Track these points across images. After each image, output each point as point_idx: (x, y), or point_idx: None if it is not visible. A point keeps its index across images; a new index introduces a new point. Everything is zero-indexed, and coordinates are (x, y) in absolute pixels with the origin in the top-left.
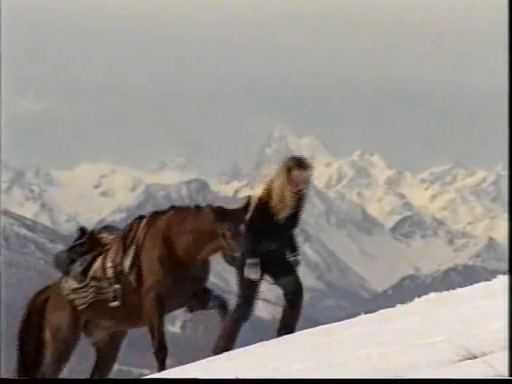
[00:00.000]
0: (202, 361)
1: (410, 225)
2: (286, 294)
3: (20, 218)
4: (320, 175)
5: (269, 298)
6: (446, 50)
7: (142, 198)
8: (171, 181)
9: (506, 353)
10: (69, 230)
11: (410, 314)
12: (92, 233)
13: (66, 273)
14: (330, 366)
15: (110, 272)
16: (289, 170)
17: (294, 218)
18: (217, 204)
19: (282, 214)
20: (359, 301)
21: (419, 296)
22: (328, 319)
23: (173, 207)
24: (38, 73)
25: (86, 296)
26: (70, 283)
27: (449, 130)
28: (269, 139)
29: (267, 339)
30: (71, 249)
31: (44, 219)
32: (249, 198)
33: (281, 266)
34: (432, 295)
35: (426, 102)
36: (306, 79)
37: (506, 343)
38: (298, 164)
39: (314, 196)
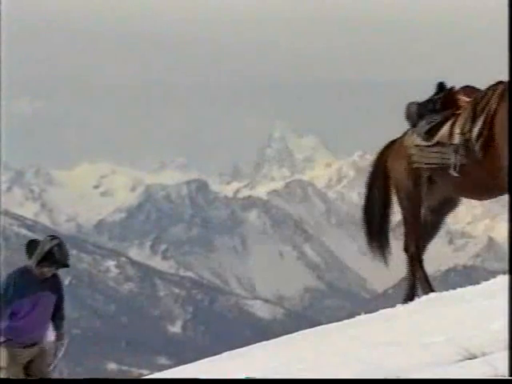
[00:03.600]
0: (202, 361)
1: None
2: None
3: (20, 218)
4: (320, 175)
5: (269, 298)
6: (446, 50)
7: (142, 198)
8: (171, 181)
9: (506, 353)
10: (69, 230)
11: (410, 313)
12: (450, 90)
13: (414, 126)
14: (330, 366)
15: (456, 138)
16: None
17: None
18: (217, 204)
19: None
20: (359, 301)
21: (419, 296)
22: (328, 319)
23: (500, 82)
24: (37, 72)
25: (428, 157)
26: (414, 138)
27: None
28: (269, 139)
29: (267, 339)
30: (424, 102)
31: (44, 219)
32: None
33: None
34: (432, 295)
35: None
36: (306, 79)
37: (506, 343)
38: None
39: (314, 196)
